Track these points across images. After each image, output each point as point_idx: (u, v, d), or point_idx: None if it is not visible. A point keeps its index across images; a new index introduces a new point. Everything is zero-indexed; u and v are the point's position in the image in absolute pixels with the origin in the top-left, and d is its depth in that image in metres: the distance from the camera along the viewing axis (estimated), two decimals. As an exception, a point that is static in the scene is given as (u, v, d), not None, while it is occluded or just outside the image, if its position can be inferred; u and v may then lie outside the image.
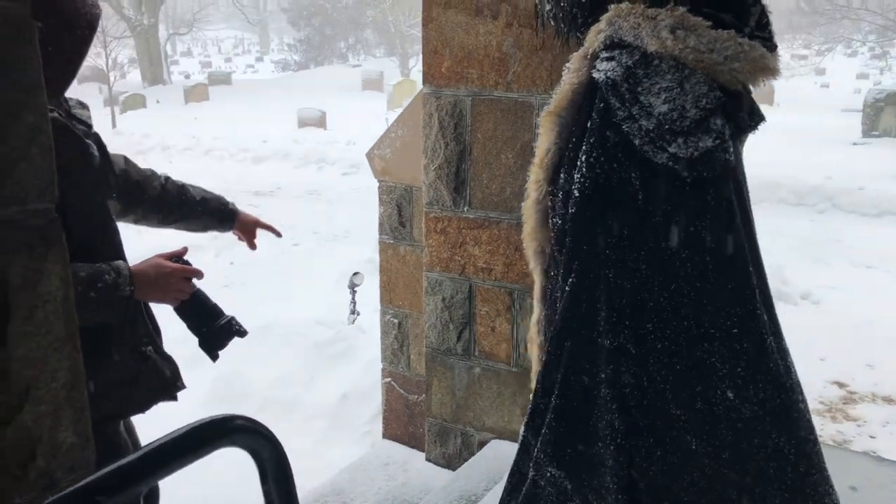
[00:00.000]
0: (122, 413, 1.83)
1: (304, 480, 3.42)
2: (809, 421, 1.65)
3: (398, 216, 3.25)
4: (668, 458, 1.57)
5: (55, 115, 1.62)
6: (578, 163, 1.55)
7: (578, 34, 1.67)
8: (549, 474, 1.68)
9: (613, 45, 1.52)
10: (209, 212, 2.19)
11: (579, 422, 1.64)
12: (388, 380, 3.52)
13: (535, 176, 1.68)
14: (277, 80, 29.69)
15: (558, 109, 1.62)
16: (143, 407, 1.84)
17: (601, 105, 1.52)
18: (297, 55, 37.32)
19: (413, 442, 3.45)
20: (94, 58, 20.96)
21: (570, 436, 1.65)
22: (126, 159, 2.08)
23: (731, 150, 1.51)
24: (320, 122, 16.33)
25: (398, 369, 3.48)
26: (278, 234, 2.38)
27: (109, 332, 1.72)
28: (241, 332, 1.94)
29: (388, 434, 3.57)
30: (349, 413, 4.06)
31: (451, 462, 3.07)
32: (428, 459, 3.15)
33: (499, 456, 2.82)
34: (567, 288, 1.61)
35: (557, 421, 1.65)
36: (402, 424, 3.52)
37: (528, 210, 1.73)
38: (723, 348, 1.54)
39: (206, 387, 4.48)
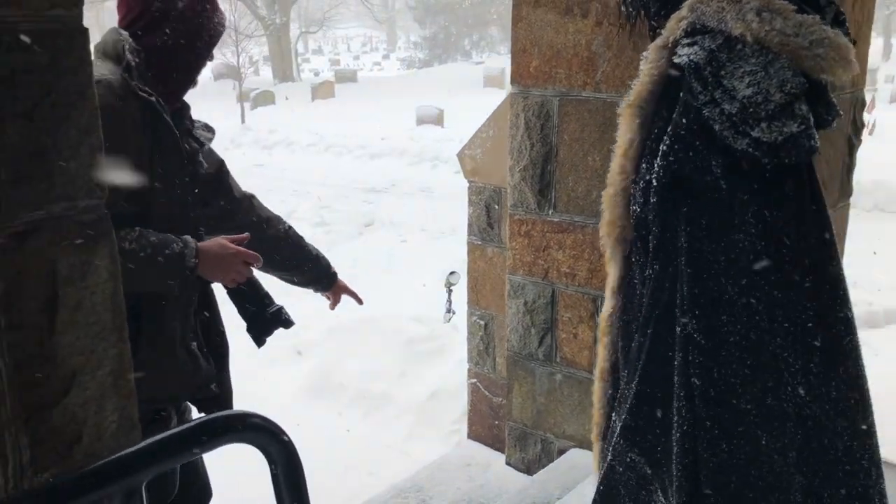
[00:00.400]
0: (158, 400, 1.88)
1: (389, 475, 3.48)
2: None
3: (486, 217, 3.23)
4: (735, 453, 1.54)
5: (153, 98, 1.75)
6: (658, 151, 1.55)
7: (653, 22, 1.64)
8: (629, 459, 1.68)
9: (695, 31, 1.50)
10: (318, 269, 2.31)
11: (658, 408, 1.63)
12: (474, 381, 3.52)
13: (620, 166, 1.66)
14: (401, 77, 30.25)
15: (638, 100, 1.61)
16: (178, 399, 1.91)
17: (681, 93, 1.51)
18: (422, 53, 37.90)
19: (497, 444, 3.43)
20: (229, 55, 22.10)
21: (650, 422, 1.65)
22: (254, 196, 2.22)
23: (816, 137, 1.46)
24: (438, 119, 16.51)
25: (483, 371, 3.47)
26: (360, 302, 2.46)
27: (161, 314, 1.81)
28: (288, 323, 2.01)
29: (473, 435, 3.57)
30: (437, 411, 4.08)
31: (530, 467, 3.03)
32: (508, 463, 3.13)
33: (576, 465, 2.77)
34: (653, 276, 1.61)
35: (638, 407, 1.65)
36: (486, 426, 3.51)
37: (612, 199, 1.71)
38: (796, 344, 1.51)
39: (304, 377, 4.63)
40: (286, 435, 0.98)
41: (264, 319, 2.00)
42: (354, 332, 4.88)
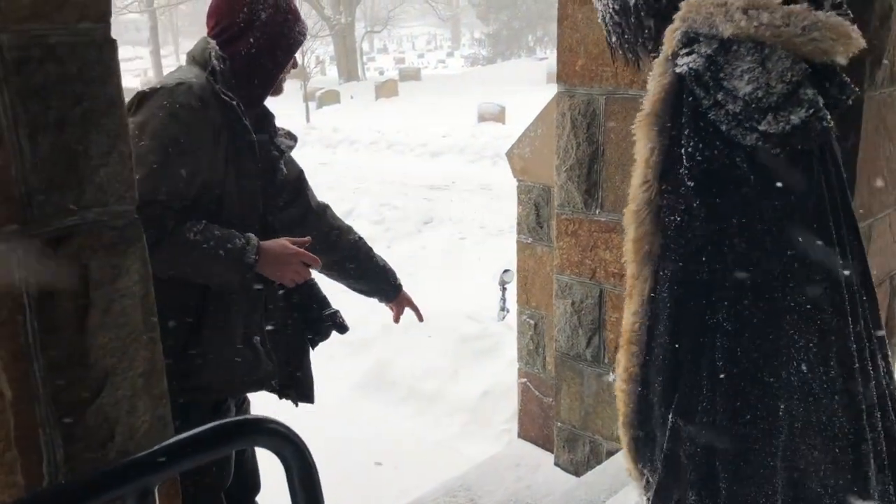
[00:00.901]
0: (219, 389, 1.96)
1: (440, 473, 3.49)
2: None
3: (535, 216, 3.21)
4: (758, 423, 1.60)
5: (234, 102, 1.83)
6: (683, 156, 1.57)
7: (652, 55, 1.73)
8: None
9: (690, 39, 1.53)
10: (385, 280, 2.39)
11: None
12: (524, 380, 3.50)
13: (643, 177, 1.67)
14: (464, 74, 30.24)
15: (655, 110, 1.64)
16: (237, 391, 1.98)
17: (689, 98, 1.54)
18: (486, 49, 37.85)
19: (547, 444, 3.41)
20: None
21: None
22: (328, 207, 2.31)
23: (828, 118, 1.48)
24: (499, 116, 16.46)
25: (534, 370, 3.45)
26: (420, 318, 2.52)
27: (225, 309, 1.87)
28: (343, 328, 2.04)
29: (523, 434, 3.55)
30: (489, 409, 4.08)
31: (578, 469, 3.00)
32: (556, 464, 3.10)
33: (625, 468, 2.72)
34: (706, 278, 1.64)
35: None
36: (536, 426, 3.49)
37: (636, 214, 1.71)
38: (801, 322, 1.57)
39: (360, 373, 4.69)
40: (300, 439, 0.99)
41: (320, 321, 2.05)
42: (409, 330, 4.90)
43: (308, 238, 1.97)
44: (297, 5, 2.03)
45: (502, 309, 4.94)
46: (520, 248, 3.33)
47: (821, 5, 1.51)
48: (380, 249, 8.14)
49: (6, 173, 1.03)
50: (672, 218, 1.66)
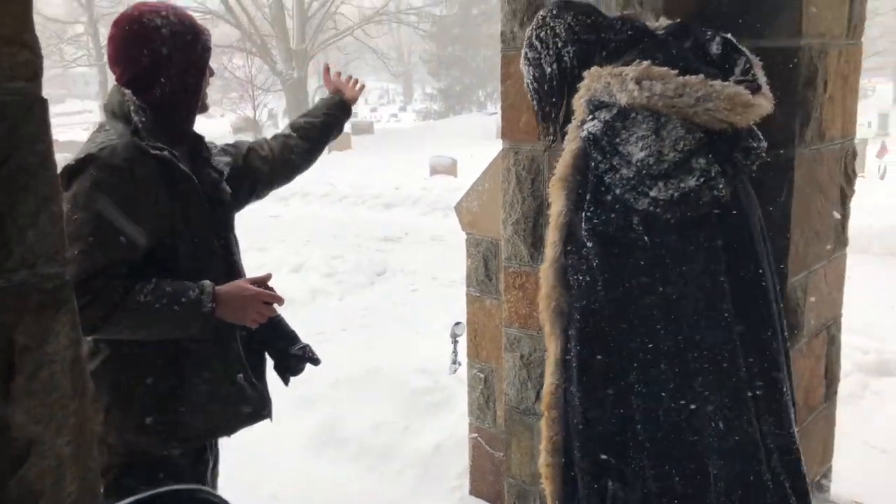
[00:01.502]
0: (209, 433, 1.96)
1: (391, 533, 3.41)
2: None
3: (484, 269, 3.22)
4: (690, 482, 1.66)
5: (165, 153, 1.81)
6: (583, 218, 1.66)
7: (557, 129, 1.89)
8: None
9: (595, 107, 1.62)
10: (332, 118, 2.49)
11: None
12: (475, 435, 3.47)
13: (552, 238, 1.77)
14: (416, 128, 30.58)
15: (564, 175, 1.76)
16: (230, 430, 1.96)
17: (592, 164, 1.63)
18: (437, 104, 38.39)
19: (499, 501, 3.36)
20: (248, 110, 22.56)
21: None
22: (250, 149, 2.28)
23: (721, 187, 1.54)
24: (451, 169, 16.64)
25: (484, 425, 3.42)
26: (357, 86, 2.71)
27: (202, 356, 1.86)
28: (315, 361, 2.04)
29: (475, 491, 3.50)
30: (441, 465, 4.01)
31: (530, 526, 2.96)
32: (508, 521, 3.06)
33: (576, 524, 2.70)
34: (606, 339, 1.71)
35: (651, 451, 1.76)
36: (488, 482, 3.45)
37: (546, 272, 1.83)
38: (713, 382, 1.64)
39: (309, 430, 4.58)
40: (232, 508, 0.95)
41: (290, 357, 2.03)
42: (360, 384, 4.84)
43: (269, 274, 1.97)
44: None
45: (454, 362, 4.91)
46: (469, 301, 3.33)
47: (731, 72, 1.58)
48: (331, 302, 8.02)
49: (-73, 236, 0.99)
50: (577, 277, 1.74)
